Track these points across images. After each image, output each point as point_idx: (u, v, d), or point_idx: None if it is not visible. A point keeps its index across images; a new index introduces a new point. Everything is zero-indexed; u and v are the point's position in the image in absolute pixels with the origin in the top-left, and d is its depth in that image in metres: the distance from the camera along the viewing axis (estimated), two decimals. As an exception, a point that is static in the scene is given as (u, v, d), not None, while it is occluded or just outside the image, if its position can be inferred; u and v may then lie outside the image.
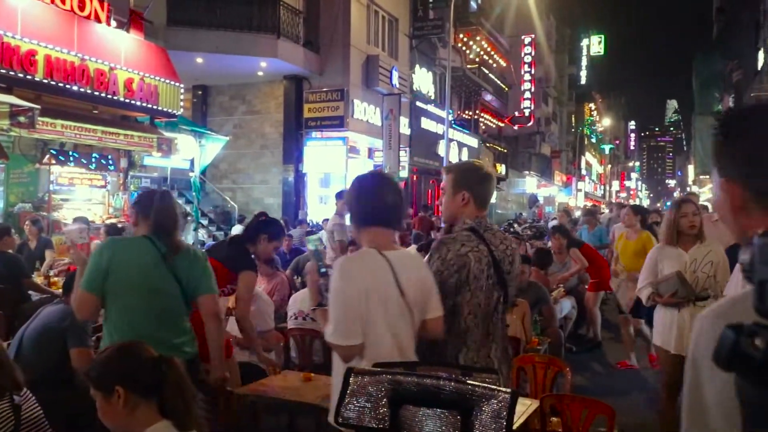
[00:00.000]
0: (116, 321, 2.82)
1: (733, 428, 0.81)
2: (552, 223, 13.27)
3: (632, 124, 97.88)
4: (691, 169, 62.37)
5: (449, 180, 2.53)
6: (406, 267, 2.16)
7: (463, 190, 2.47)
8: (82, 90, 9.18)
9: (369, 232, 2.22)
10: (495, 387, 1.51)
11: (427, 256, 2.42)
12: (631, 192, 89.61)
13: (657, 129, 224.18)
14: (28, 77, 8.36)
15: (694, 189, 48.68)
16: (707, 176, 43.10)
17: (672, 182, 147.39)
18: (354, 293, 2.07)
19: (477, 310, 2.36)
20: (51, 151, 9.89)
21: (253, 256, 3.87)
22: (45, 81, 8.60)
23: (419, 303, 2.17)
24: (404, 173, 17.11)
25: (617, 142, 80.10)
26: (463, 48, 23.33)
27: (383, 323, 2.09)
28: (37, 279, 6.51)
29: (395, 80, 16.66)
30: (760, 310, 0.67)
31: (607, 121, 61.95)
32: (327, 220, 8.32)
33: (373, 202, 2.21)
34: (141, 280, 2.81)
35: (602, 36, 54.30)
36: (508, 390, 1.50)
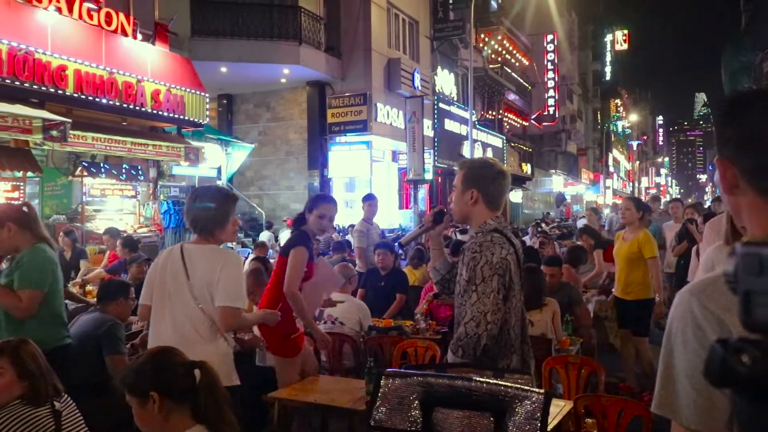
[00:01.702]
0: (51, 313, 3.21)
1: (697, 393, 0.95)
2: (581, 222, 13.10)
3: (660, 119, 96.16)
4: (722, 162, 60.61)
5: (460, 176, 2.46)
6: (195, 258, 2.75)
7: (472, 189, 2.39)
8: (111, 103, 9.39)
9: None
10: (528, 388, 1.49)
11: (467, 259, 2.31)
12: (661, 188, 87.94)
13: (686, 123, 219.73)
14: (59, 92, 8.58)
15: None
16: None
17: (703, 177, 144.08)
18: (151, 269, 2.93)
19: (517, 315, 2.35)
20: (83, 163, 10.13)
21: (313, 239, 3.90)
22: (75, 95, 8.81)
23: (203, 291, 2.69)
24: (428, 175, 17.07)
25: (645, 137, 78.72)
26: (485, 48, 23.20)
27: (163, 296, 2.76)
28: (73, 288, 6.66)
29: (417, 82, 16.65)
30: (746, 324, 0.65)
31: (634, 117, 60.95)
32: (353, 225, 8.34)
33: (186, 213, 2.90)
34: (60, 277, 3.36)
35: (626, 30, 53.46)
36: (542, 390, 1.48)
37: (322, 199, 3.90)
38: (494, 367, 2.18)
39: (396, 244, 6.74)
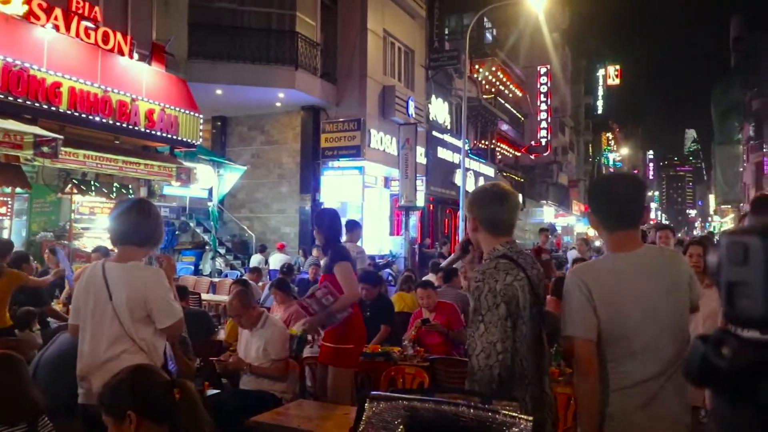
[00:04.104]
0: None
1: (581, 316, 2.07)
2: (571, 253, 13.11)
3: (650, 154, 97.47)
4: (712, 198, 61.56)
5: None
6: (120, 278, 2.70)
7: (471, 215, 2.38)
8: (104, 121, 9.37)
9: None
10: (516, 414, 1.45)
11: (472, 288, 2.26)
12: (651, 222, 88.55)
13: (676, 158, 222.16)
14: (53, 108, 8.56)
15: (716, 219, 47.80)
16: (729, 206, 42.50)
17: (693, 212, 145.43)
18: (75, 289, 2.94)
19: (529, 344, 2.21)
20: (73, 180, 10.06)
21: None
22: (69, 112, 8.80)
23: (124, 310, 2.66)
24: (420, 202, 17.09)
25: (636, 171, 79.62)
26: (479, 78, 23.50)
27: (85, 313, 2.76)
28: (56, 306, 6.56)
29: (411, 110, 16.78)
30: (729, 316, 0.62)
31: (624, 150, 61.70)
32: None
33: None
34: None
35: (618, 66, 54.43)
36: (530, 418, 1.44)
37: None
38: (499, 396, 2.10)
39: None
